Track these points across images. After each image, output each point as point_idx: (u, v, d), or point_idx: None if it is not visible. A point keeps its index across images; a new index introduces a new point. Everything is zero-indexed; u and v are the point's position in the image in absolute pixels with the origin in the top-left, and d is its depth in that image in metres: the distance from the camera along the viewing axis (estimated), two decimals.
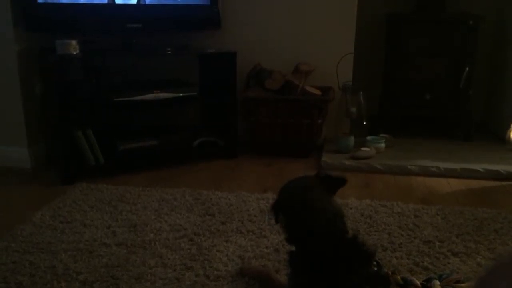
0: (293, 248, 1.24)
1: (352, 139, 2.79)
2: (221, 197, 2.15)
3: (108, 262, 1.61)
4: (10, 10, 2.37)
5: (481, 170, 2.49)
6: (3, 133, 2.56)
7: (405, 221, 1.92)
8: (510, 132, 2.82)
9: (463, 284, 1.33)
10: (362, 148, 2.71)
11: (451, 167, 2.53)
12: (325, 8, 2.89)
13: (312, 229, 1.16)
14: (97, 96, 2.50)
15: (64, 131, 2.37)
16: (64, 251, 1.68)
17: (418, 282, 1.31)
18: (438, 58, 2.99)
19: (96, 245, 1.73)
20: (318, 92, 2.80)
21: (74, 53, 2.31)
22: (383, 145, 2.79)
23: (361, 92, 2.90)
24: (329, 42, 2.92)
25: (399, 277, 1.30)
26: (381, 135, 2.89)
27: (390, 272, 1.27)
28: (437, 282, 1.31)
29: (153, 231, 1.83)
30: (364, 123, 2.94)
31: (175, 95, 2.60)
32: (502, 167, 2.50)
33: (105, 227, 1.86)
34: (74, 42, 2.31)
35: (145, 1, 2.59)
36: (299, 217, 1.18)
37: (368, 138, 2.82)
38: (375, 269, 1.18)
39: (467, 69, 2.91)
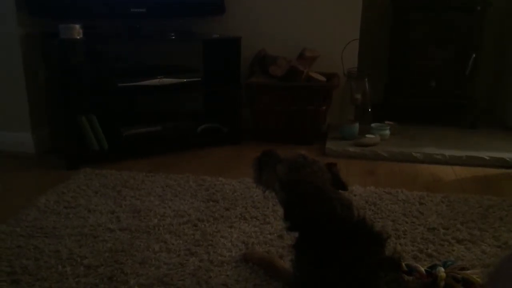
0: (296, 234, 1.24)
1: (356, 126, 2.78)
2: (225, 184, 2.15)
3: (112, 247, 1.61)
4: None
5: (486, 157, 2.47)
6: (7, 118, 2.56)
7: (409, 208, 1.91)
8: None
9: (467, 271, 1.33)
10: (367, 135, 2.69)
11: (456, 154, 2.51)
12: None
13: (329, 214, 1.15)
14: (100, 81, 2.49)
15: (68, 116, 2.36)
16: (68, 235, 1.68)
17: (422, 269, 1.31)
18: (444, 45, 2.96)
19: (101, 230, 1.73)
20: (323, 78, 2.78)
21: (78, 37, 2.30)
22: (387, 132, 2.77)
23: (366, 79, 2.88)
24: (335, 28, 2.90)
25: (403, 264, 1.30)
26: (386, 122, 2.87)
27: None
28: (442, 269, 1.31)
29: (157, 217, 1.83)
30: (369, 110, 2.92)
31: (179, 80, 2.59)
32: (507, 155, 2.48)
33: (109, 212, 1.86)
34: (77, 27, 2.29)
35: None
36: (315, 200, 1.17)
37: (373, 125, 2.80)
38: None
39: (474, 56, 2.88)
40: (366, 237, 1.17)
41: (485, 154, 2.49)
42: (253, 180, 1.33)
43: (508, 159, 2.45)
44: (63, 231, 1.72)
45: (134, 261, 1.52)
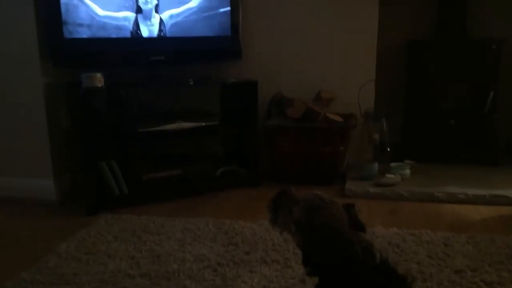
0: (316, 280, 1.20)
1: (376, 166, 2.76)
2: (245, 227, 2.13)
3: None
4: (37, 45, 2.44)
5: (510, 196, 2.42)
6: (30, 166, 2.60)
7: (434, 249, 1.86)
8: None
9: None
10: (387, 175, 2.67)
11: (479, 193, 2.46)
12: (346, 35, 2.91)
13: (350, 259, 1.13)
14: (121, 127, 2.54)
15: (89, 162, 2.39)
16: (88, 282, 1.68)
17: None
18: (461, 83, 2.96)
19: (121, 276, 1.72)
20: (340, 119, 2.79)
21: (99, 85, 2.36)
22: (408, 171, 2.74)
23: (384, 119, 2.87)
24: (350, 69, 2.93)
25: None
26: (406, 161, 2.84)
27: None
28: None
29: (177, 262, 1.81)
30: (388, 149, 2.90)
31: (198, 124, 2.63)
32: None
33: (129, 258, 1.86)
34: (99, 75, 2.36)
35: (165, 33, 2.64)
36: (335, 244, 1.14)
37: (392, 164, 2.77)
38: None
39: (492, 93, 2.87)
40: (390, 281, 1.13)
41: (509, 193, 2.44)
42: (268, 221, 1.31)
43: None
44: (84, 278, 1.71)
45: None
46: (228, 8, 2.79)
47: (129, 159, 2.64)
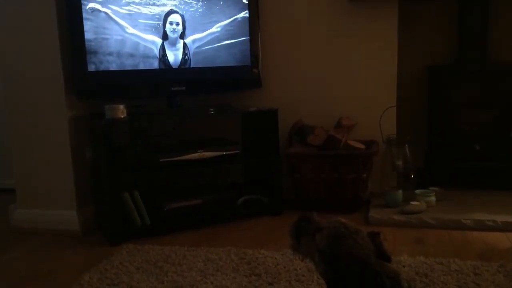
0: None
1: (400, 193, 2.71)
2: (267, 256, 2.10)
3: None
4: (62, 79, 2.51)
5: None
6: (54, 198, 2.64)
7: (464, 279, 1.80)
8: None
9: None
10: (412, 202, 2.61)
11: (509, 220, 2.38)
12: (365, 61, 2.91)
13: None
14: (143, 157, 2.56)
15: (112, 193, 2.41)
16: None
17: None
18: (484, 108, 2.92)
19: None
20: (361, 146, 2.76)
21: (122, 117, 2.41)
22: (433, 198, 2.68)
23: (407, 145, 2.84)
24: (371, 95, 2.92)
25: None
26: (431, 188, 2.79)
27: None
28: None
29: None
30: (412, 176, 2.85)
31: (219, 153, 2.64)
32: None
33: None
34: (121, 107, 2.40)
35: (189, 57, 2.69)
36: (361, 275, 1.11)
37: (417, 191, 2.72)
38: None
39: None
40: None
41: None
42: (290, 247, 1.28)
43: None
44: None
45: None
46: (248, 37, 2.84)
47: (151, 189, 2.65)
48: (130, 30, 2.52)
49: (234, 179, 3.00)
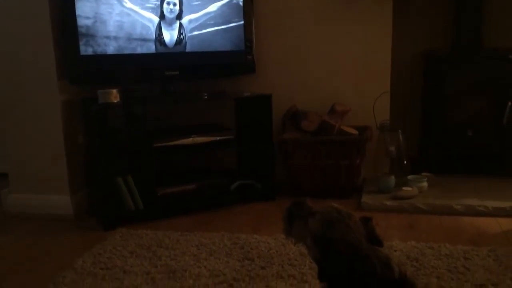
0: None
1: (392, 178, 2.72)
2: (260, 241, 2.12)
3: None
4: (54, 63, 2.48)
5: None
6: (47, 182, 2.63)
7: (454, 263, 1.82)
8: None
9: None
10: (404, 188, 2.63)
11: (499, 205, 2.41)
12: (360, 48, 2.90)
13: (369, 273, 1.10)
14: (137, 142, 2.56)
15: (105, 178, 2.41)
16: None
17: None
18: (478, 94, 2.92)
19: None
20: (355, 132, 2.77)
21: (115, 101, 2.39)
22: (425, 184, 2.70)
23: (400, 131, 2.84)
24: (365, 81, 2.92)
25: None
26: (423, 174, 2.81)
27: None
28: None
29: (192, 277, 1.80)
30: (404, 162, 2.87)
31: (212, 139, 2.64)
32: None
33: (144, 273, 1.85)
34: (115, 91, 2.39)
35: (185, 37, 2.67)
36: (352, 259, 1.12)
37: (410, 177, 2.74)
38: None
39: (510, 104, 2.82)
40: None
41: None
42: (282, 232, 1.29)
43: None
44: None
45: None
46: (242, 22, 2.82)
47: (145, 174, 2.65)
48: (128, 4, 2.49)
49: (228, 164, 3.00)
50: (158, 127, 2.76)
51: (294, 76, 2.99)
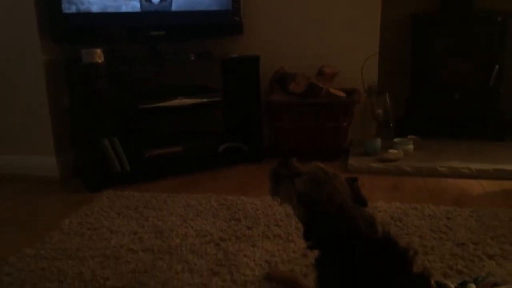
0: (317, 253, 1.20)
1: (379, 141, 2.74)
2: (247, 202, 2.13)
3: (135, 268, 1.60)
4: (36, 21, 2.41)
5: None
6: (32, 143, 2.60)
7: (436, 223, 1.86)
8: None
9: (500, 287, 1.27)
10: (390, 150, 2.65)
11: (483, 168, 2.44)
12: (349, 9, 2.86)
13: (352, 233, 1.12)
14: (122, 103, 2.52)
15: (91, 139, 2.39)
16: (91, 257, 1.69)
17: (452, 286, 1.25)
18: (466, 57, 2.92)
19: (123, 251, 1.73)
20: (343, 94, 2.76)
21: (99, 61, 2.34)
22: (411, 147, 2.73)
23: (387, 93, 2.84)
24: (353, 43, 2.89)
25: (433, 282, 1.25)
26: (409, 136, 2.83)
27: None
28: (473, 286, 1.26)
29: (179, 237, 1.82)
30: (391, 125, 2.88)
31: (199, 101, 2.62)
32: None
33: (131, 233, 1.86)
34: (99, 51, 2.34)
35: (171, 4, 2.60)
36: (337, 219, 1.13)
37: (396, 140, 2.76)
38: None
39: (497, 67, 2.83)
40: (392, 254, 1.12)
41: None
42: (268, 191, 1.29)
43: None
44: (86, 253, 1.72)
45: (157, 282, 1.51)
46: None
47: (131, 136, 2.63)
48: None
49: (215, 127, 2.99)
50: (144, 88, 2.72)
51: (282, 38, 2.94)
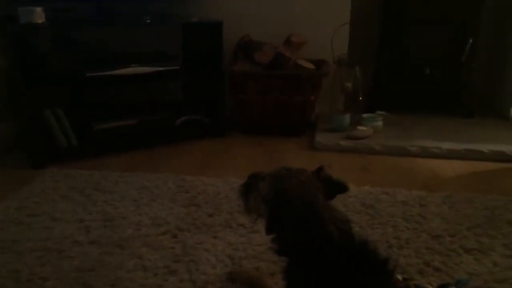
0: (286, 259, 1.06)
1: (347, 117, 2.61)
2: (208, 184, 1.96)
3: (80, 265, 1.41)
4: None
5: (485, 151, 2.33)
6: None
7: (410, 211, 1.75)
8: None
9: None
10: (358, 127, 2.53)
11: (453, 148, 2.36)
12: None
13: (325, 238, 0.97)
14: (68, 70, 2.25)
15: (32, 109, 2.14)
16: (30, 251, 1.48)
17: None
18: (439, 29, 2.79)
19: (67, 243, 1.53)
20: (311, 66, 2.60)
21: (40, 22, 2.06)
22: (380, 123, 2.61)
23: (357, 66, 2.69)
24: (323, 11, 2.71)
25: (412, 285, 1.13)
26: (378, 112, 2.71)
27: (401, 278, 1.10)
28: None
29: (132, 226, 1.63)
30: (360, 98, 2.74)
31: (155, 69, 2.39)
32: (507, 148, 2.33)
33: (77, 221, 1.66)
34: (39, 10, 2.06)
35: None
36: (310, 224, 0.99)
37: (365, 116, 2.63)
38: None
39: (471, 41, 2.72)
40: (370, 267, 0.98)
41: (484, 147, 2.35)
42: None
43: (508, 152, 2.31)
44: (24, 245, 1.51)
45: (105, 283, 1.33)
46: None
47: (78, 107, 2.38)
48: None
49: (173, 98, 2.76)
50: (93, 54, 2.45)
51: (248, 2, 2.73)
